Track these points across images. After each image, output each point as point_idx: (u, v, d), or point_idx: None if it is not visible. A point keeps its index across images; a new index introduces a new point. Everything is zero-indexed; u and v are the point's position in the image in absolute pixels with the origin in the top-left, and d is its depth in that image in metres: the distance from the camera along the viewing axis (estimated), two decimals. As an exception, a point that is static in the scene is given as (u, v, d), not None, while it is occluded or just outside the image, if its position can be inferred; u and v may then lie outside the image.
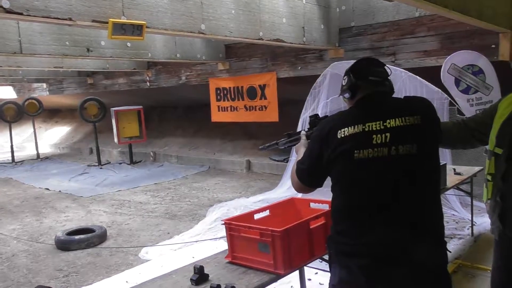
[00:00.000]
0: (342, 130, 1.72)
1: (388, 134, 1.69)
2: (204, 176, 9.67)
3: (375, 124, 1.71)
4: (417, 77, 5.52)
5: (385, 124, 1.71)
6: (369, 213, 1.71)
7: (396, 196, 1.69)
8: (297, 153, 2.16)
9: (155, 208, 7.12)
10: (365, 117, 1.74)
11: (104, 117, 11.97)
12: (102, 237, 5.51)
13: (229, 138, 11.34)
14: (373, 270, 1.68)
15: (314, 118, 2.29)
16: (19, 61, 8.14)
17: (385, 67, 1.85)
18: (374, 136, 1.70)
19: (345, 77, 1.87)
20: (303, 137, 2.23)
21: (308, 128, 2.30)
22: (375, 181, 1.70)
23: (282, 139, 2.49)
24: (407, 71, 5.64)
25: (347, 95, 1.85)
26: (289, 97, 8.58)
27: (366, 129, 1.71)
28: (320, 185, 1.90)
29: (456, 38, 5.81)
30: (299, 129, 6.08)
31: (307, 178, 1.89)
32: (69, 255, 5.07)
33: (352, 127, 1.72)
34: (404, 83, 5.77)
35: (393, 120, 1.71)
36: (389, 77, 1.85)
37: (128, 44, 7.01)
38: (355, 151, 1.69)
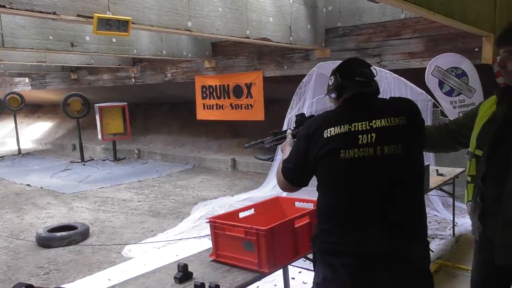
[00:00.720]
0: (329, 130, 1.73)
1: (374, 134, 1.70)
2: (189, 174, 9.64)
3: (361, 124, 1.72)
4: (402, 78, 5.57)
5: (371, 124, 1.72)
6: (354, 212, 1.72)
7: (382, 196, 1.70)
8: (283, 152, 2.16)
9: (138, 205, 7.08)
10: (351, 117, 1.75)
11: (88, 113, 11.87)
12: (84, 234, 5.45)
13: (214, 136, 11.32)
14: (358, 269, 1.69)
15: (300, 117, 2.29)
16: (1, 54, 7.99)
17: (371, 68, 1.86)
18: (360, 136, 1.70)
19: (332, 77, 1.88)
20: (289, 136, 2.23)
21: (294, 127, 2.29)
22: (360, 181, 1.71)
23: (268, 138, 2.49)
24: (392, 73, 5.70)
25: (333, 95, 1.86)
26: (275, 96, 8.60)
27: (352, 129, 1.72)
28: (306, 184, 1.90)
29: (441, 40, 5.89)
30: (284, 128, 6.10)
31: (292, 177, 1.89)
32: (50, 252, 5.01)
33: (339, 127, 1.72)
34: (389, 84, 5.84)
35: (379, 120, 1.72)
36: (375, 78, 1.85)
37: (114, 40, 6.94)
38: (341, 151, 1.70)
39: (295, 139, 2.10)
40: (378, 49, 6.56)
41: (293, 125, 2.36)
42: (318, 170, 1.78)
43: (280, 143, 2.34)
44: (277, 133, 2.45)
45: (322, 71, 6.23)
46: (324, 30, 6.81)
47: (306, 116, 2.30)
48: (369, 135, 1.70)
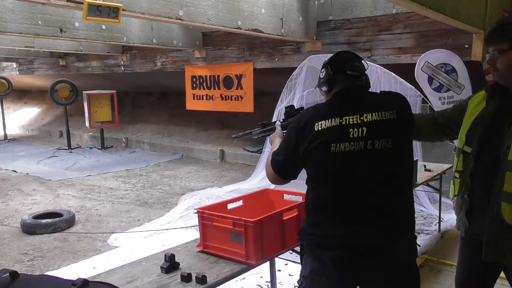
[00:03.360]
0: (319, 123, 1.73)
1: (364, 128, 1.71)
2: (177, 164, 9.61)
3: (352, 118, 1.72)
4: (392, 73, 5.55)
5: (361, 118, 1.72)
6: (343, 206, 1.73)
7: (372, 190, 1.71)
8: (272, 144, 2.16)
9: (125, 194, 7.05)
10: (342, 110, 1.75)
11: (76, 100, 11.76)
12: (70, 222, 5.41)
13: (203, 126, 11.28)
14: (345, 262, 1.71)
15: (290, 109, 2.28)
16: (-12, 38, 7.85)
17: (362, 62, 1.86)
18: (351, 130, 1.71)
19: (323, 70, 1.87)
20: (278, 128, 2.23)
21: (283, 119, 2.29)
22: (350, 175, 1.72)
23: (256, 129, 2.48)
24: (382, 67, 5.68)
25: (324, 88, 1.86)
26: (265, 88, 8.57)
27: (343, 123, 1.72)
28: (295, 177, 1.90)
29: (431, 36, 5.87)
30: (274, 120, 6.10)
31: (282, 170, 1.89)
32: (35, 239, 4.96)
33: (329, 120, 1.72)
34: (379, 79, 5.82)
35: (370, 114, 1.72)
36: (366, 72, 1.86)
37: (103, 27, 6.81)
38: (332, 144, 1.70)
39: (284, 131, 2.09)
40: (369, 43, 6.53)
41: (282, 117, 2.34)
42: (308, 163, 1.78)
43: (269, 135, 2.33)
44: (266, 124, 2.45)
45: (313, 64, 6.19)
46: (315, 23, 6.78)
47: (296, 108, 2.29)
48: (359, 129, 1.71)
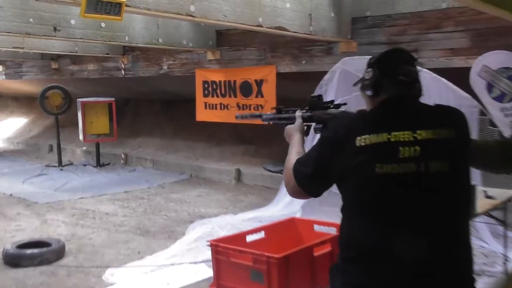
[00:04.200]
0: (362, 137, 1.70)
1: (418, 148, 1.69)
2: (184, 185, 9.60)
3: (403, 134, 1.70)
4: (442, 79, 5.50)
5: (414, 135, 1.70)
6: (387, 238, 1.69)
7: (422, 221, 1.69)
8: (290, 140, 2.15)
9: (124, 221, 7.05)
10: (391, 124, 1.73)
11: (69, 109, 11.80)
12: (59, 252, 5.43)
13: (216, 141, 11.25)
14: None
15: (317, 100, 2.25)
16: (-29, 39, 8.00)
17: (416, 64, 1.85)
18: (401, 148, 1.69)
19: (369, 70, 1.85)
20: (299, 119, 2.21)
21: (306, 109, 2.26)
22: (397, 202, 1.69)
23: (269, 113, 2.48)
24: (430, 72, 5.60)
25: (369, 92, 1.84)
26: (289, 95, 8.48)
27: (392, 139, 1.70)
28: (320, 195, 1.91)
29: (490, 35, 5.79)
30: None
31: (308, 185, 1.89)
32: (19, 273, 4.97)
33: (375, 134, 1.70)
34: (427, 85, 5.69)
35: (424, 131, 1.71)
36: (419, 78, 1.84)
37: (103, 25, 6.89)
38: (377, 165, 1.68)
39: (306, 125, 2.12)
40: (414, 43, 6.46)
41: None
42: (344, 186, 1.77)
43: (284, 125, 2.30)
44: (282, 110, 2.41)
45: (347, 67, 6.19)
46: (350, 20, 6.77)
47: (326, 100, 2.25)
48: (412, 148, 1.69)
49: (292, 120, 2.25)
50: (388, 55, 1.86)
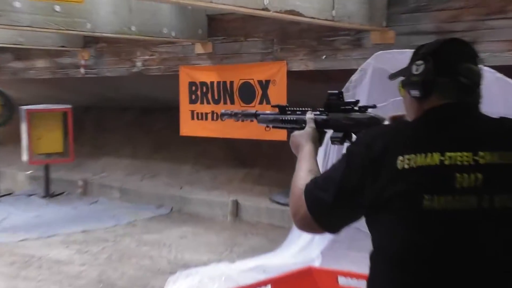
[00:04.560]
0: (406, 156, 1.60)
1: (479, 175, 1.59)
2: (164, 222, 9.23)
3: (461, 156, 1.61)
4: (510, 80, 5.23)
5: (476, 158, 1.61)
6: None
7: (483, 273, 1.57)
8: (298, 152, 2.09)
9: (81, 271, 6.74)
10: (445, 141, 1.65)
11: (10, 120, 11.75)
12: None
13: (206, 163, 10.93)
14: None
15: (336, 98, 2.18)
16: None
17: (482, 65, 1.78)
18: (458, 175, 1.59)
19: (420, 62, 1.73)
20: (310, 123, 2.18)
21: (321, 110, 2.22)
22: (452, 248, 1.57)
23: (269, 113, 2.48)
24: (493, 70, 5.34)
25: (416, 92, 1.72)
26: (306, 101, 8.14)
27: (446, 162, 1.60)
28: (339, 231, 1.80)
29: None
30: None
31: (325, 216, 1.74)
32: None
33: (423, 154, 1.60)
34: (489, 87, 5.35)
35: (489, 153, 1.61)
36: (481, 82, 1.76)
37: (57, 8, 6.56)
38: (425, 196, 1.57)
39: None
40: (471, 33, 6.15)
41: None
42: (376, 222, 1.67)
43: (290, 130, 2.29)
44: (288, 109, 2.37)
45: (382, 65, 5.85)
46: (385, 3, 6.60)
47: (349, 100, 2.18)
48: (472, 176, 1.60)
49: (300, 125, 2.23)
50: (448, 47, 1.77)
